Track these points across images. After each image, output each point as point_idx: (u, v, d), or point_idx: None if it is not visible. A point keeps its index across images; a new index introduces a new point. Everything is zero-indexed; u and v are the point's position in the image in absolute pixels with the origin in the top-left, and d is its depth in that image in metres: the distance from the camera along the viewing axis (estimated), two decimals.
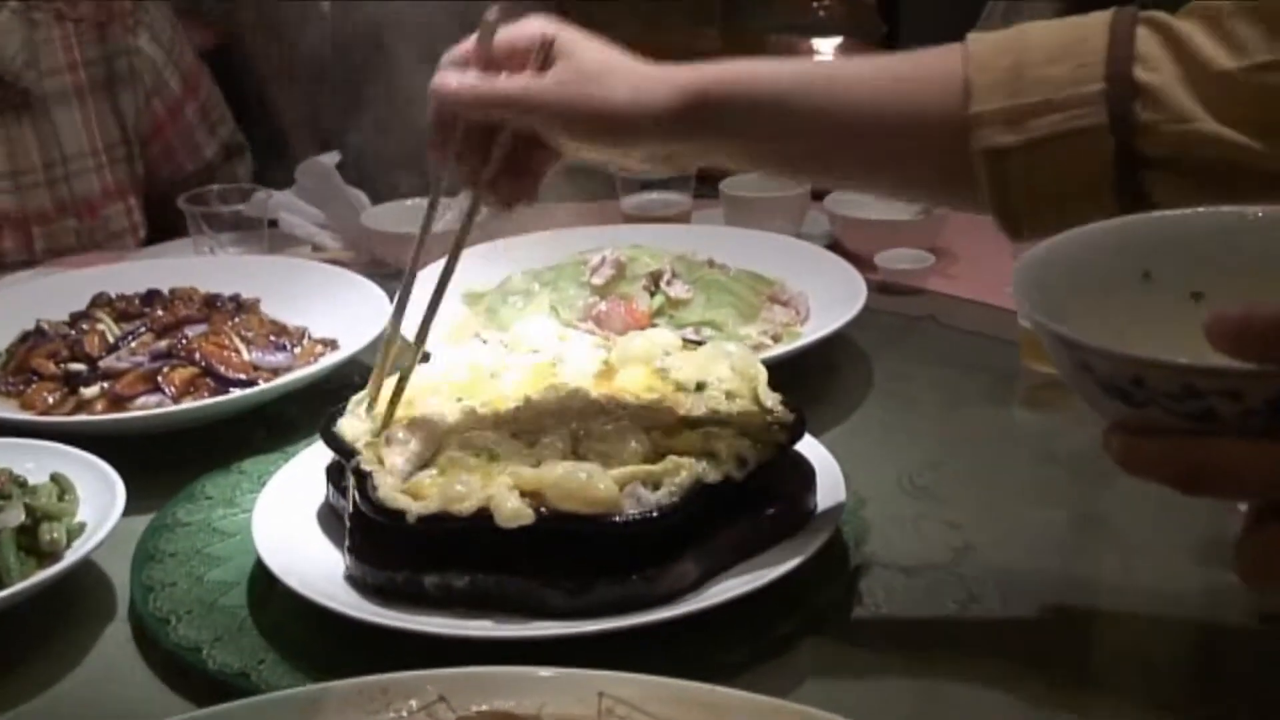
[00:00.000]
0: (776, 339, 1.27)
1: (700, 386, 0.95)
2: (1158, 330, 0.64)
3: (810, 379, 1.21)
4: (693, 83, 0.82)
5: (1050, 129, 0.78)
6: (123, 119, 1.80)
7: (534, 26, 0.86)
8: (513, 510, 0.83)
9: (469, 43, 0.87)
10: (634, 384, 0.96)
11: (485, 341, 1.09)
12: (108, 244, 1.77)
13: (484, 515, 0.84)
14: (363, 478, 0.88)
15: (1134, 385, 0.59)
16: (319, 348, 1.27)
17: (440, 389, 0.97)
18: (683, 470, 0.86)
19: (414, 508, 0.85)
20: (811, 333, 1.24)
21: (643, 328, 1.19)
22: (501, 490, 0.84)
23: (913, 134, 0.81)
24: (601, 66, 0.83)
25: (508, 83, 0.84)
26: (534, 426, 0.91)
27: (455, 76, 0.85)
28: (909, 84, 0.81)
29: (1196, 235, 0.70)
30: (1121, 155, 0.78)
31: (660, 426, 0.90)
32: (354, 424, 0.93)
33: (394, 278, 1.39)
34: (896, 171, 0.84)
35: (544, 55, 0.84)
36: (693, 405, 0.92)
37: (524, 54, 0.85)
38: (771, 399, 0.95)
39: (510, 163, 0.89)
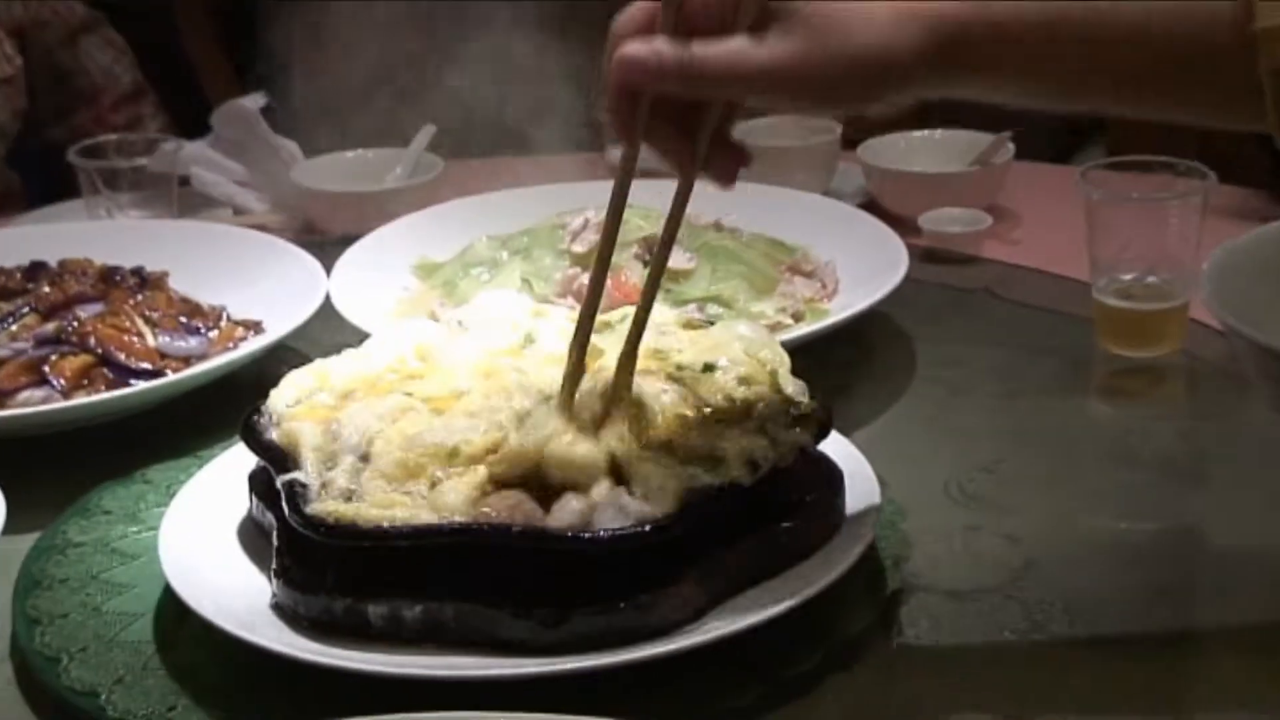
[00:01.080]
0: (798, 317, 1.27)
1: (709, 368, 0.96)
2: None
3: (840, 365, 1.21)
4: (947, 18, 0.83)
5: None
6: None
7: None
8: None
9: (647, 2, 0.85)
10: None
11: (439, 321, 1.09)
12: None
13: (438, 530, 0.85)
14: (292, 487, 0.89)
15: None
16: (240, 331, 1.27)
17: (380, 380, 0.98)
18: (682, 473, 0.87)
19: (355, 522, 0.86)
20: (841, 309, 1.25)
21: (634, 304, 1.19)
22: (460, 497, 0.85)
23: (1193, 50, 0.83)
24: (835, 14, 0.82)
25: (721, 52, 0.82)
26: (498, 417, 0.91)
27: (642, 46, 0.83)
28: None
29: None
30: None
31: (654, 418, 0.91)
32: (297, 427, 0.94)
33: (331, 247, 1.40)
34: (1177, 93, 0.86)
35: (754, 6, 0.82)
36: (700, 392, 0.93)
37: (719, 6, 0.84)
38: (794, 388, 0.96)
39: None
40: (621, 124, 0.86)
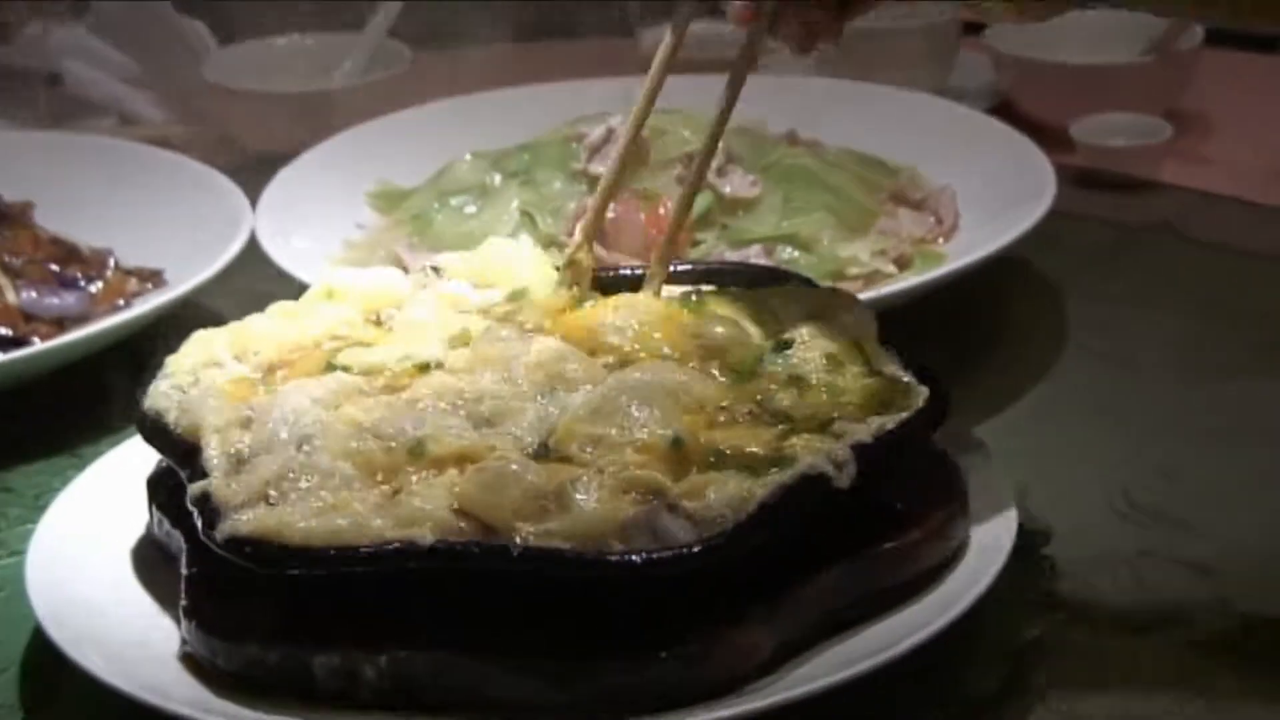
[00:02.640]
0: (904, 264, 1.28)
1: (784, 345, 0.97)
2: None
3: (962, 330, 1.22)
4: None
5: None
6: None
7: None
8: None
9: None
10: (655, 333, 0.98)
11: (405, 268, 1.10)
12: None
13: (407, 551, 0.85)
14: (208, 496, 0.90)
15: None
16: (133, 283, 1.29)
17: (319, 348, 0.99)
18: (740, 480, 0.88)
19: (291, 541, 0.87)
20: (963, 253, 1.26)
21: (677, 245, 1.20)
22: (432, 509, 0.86)
23: None
24: None
25: None
26: (484, 407, 0.93)
27: None
28: None
29: None
30: None
31: (698, 408, 0.92)
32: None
33: (257, 168, 1.41)
34: None
35: None
36: (757, 380, 0.94)
37: None
38: (892, 363, 0.97)
39: None
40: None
